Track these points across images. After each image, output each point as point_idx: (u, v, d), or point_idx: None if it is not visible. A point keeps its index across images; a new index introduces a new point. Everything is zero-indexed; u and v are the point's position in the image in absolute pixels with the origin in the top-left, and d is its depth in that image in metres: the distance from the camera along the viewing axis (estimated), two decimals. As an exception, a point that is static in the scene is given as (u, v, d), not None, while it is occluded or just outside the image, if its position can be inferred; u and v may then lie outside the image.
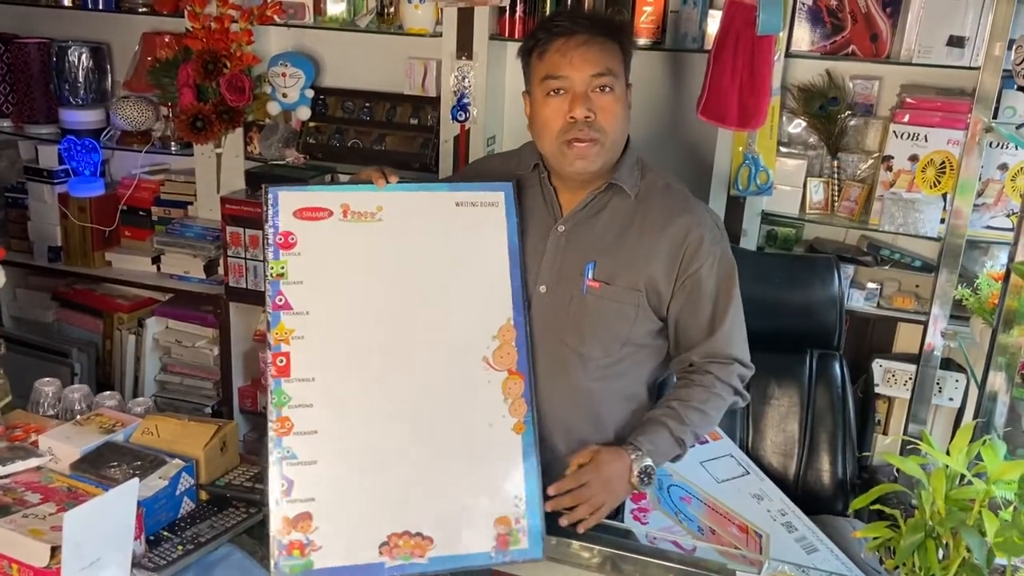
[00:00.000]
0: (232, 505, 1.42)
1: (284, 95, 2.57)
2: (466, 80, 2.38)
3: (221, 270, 2.64)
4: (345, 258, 1.38)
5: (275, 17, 2.50)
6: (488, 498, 1.33)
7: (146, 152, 2.81)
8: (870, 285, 2.32)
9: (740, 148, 2.22)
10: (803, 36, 2.18)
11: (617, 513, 1.58)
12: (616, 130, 1.43)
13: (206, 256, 2.73)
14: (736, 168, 2.24)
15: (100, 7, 2.72)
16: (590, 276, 1.45)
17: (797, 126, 2.29)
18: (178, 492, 1.38)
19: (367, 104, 2.62)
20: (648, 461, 1.39)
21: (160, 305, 2.88)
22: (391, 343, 1.37)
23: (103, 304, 2.94)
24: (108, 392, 1.60)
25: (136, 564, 1.25)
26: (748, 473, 2.08)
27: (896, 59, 2.13)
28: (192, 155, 2.75)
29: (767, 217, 2.33)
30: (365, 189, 1.41)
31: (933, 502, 1.05)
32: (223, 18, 2.51)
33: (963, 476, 1.05)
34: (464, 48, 2.37)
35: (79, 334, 3.00)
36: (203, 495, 1.44)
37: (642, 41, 2.27)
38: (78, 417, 1.52)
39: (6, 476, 1.34)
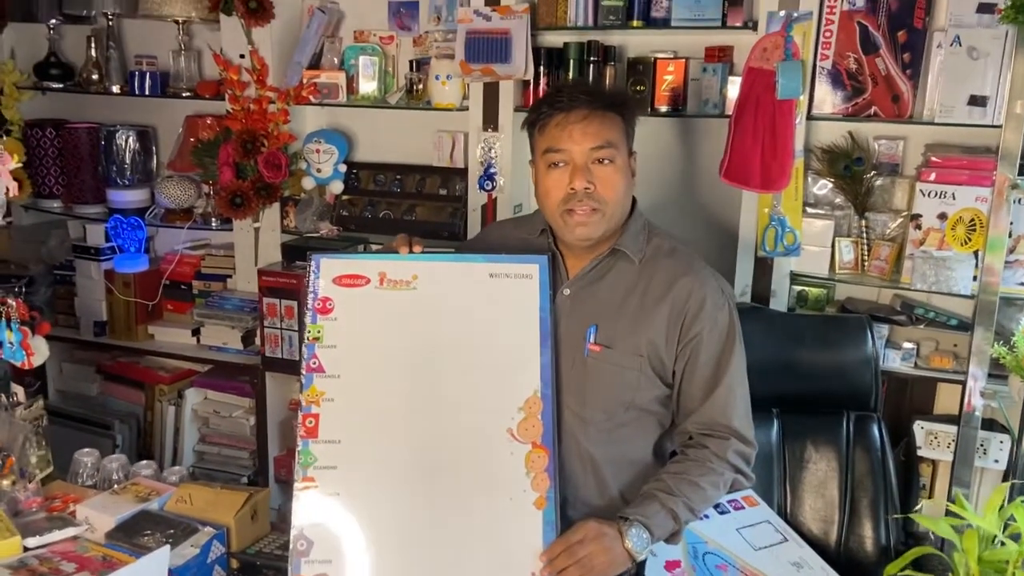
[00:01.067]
0: (261, 574, 1.43)
1: (318, 170, 2.66)
2: (492, 151, 2.45)
3: (258, 341, 2.70)
4: (379, 324, 1.41)
5: (311, 97, 2.61)
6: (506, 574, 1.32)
7: (188, 228, 2.91)
8: (906, 345, 2.29)
9: (766, 210, 2.24)
10: (824, 98, 2.21)
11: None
12: (617, 199, 1.46)
13: (243, 327, 2.79)
14: (762, 230, 2.25)
15: (147, 93, 2.86)
16: (592, 340, 1.47)
17: (823, 187, 2.30)
18: (209, 560, 1.40)
19: (398, 176, 2.70)
20: (639, 529, 1.36)
21: (199, 376, 2.94)
22: (418, 410, 1.39)
23: (145, 376, 3.01)
24: (144, 461, 1.63)
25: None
26: (787, 540, 2.03)
27: (919, 119, 2.14)
28: (231, 230, 2.84)
29: (796, 278, 2.32)
30: (402, 259, 1.45)
31: (967, 564, 1.02)
32: (261, 100, 2.63)
33: (995, 537, 1.03)
34: (490, 120, 2.44)
35: (122, 406, 3.06)
36: (234, 563, 1.45)
37: (663, 108, 2.33)
38: (115, 487, 1.54)
39: (43, 546, 1.37)
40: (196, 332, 2.90)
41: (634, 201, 1.55)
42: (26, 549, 1.36)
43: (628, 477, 1.52)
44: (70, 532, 1.41)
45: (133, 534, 1.38)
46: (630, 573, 1.55)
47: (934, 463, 2.37)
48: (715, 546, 1.95)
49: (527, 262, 1.47)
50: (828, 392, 2.14)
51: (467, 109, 2.48)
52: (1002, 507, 1.05)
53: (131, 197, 2.98)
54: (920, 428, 2.33)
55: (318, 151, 2.64)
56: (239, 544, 1.46)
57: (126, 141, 2.95)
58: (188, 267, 2.98)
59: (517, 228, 1.64)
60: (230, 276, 2.93)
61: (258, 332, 2.67)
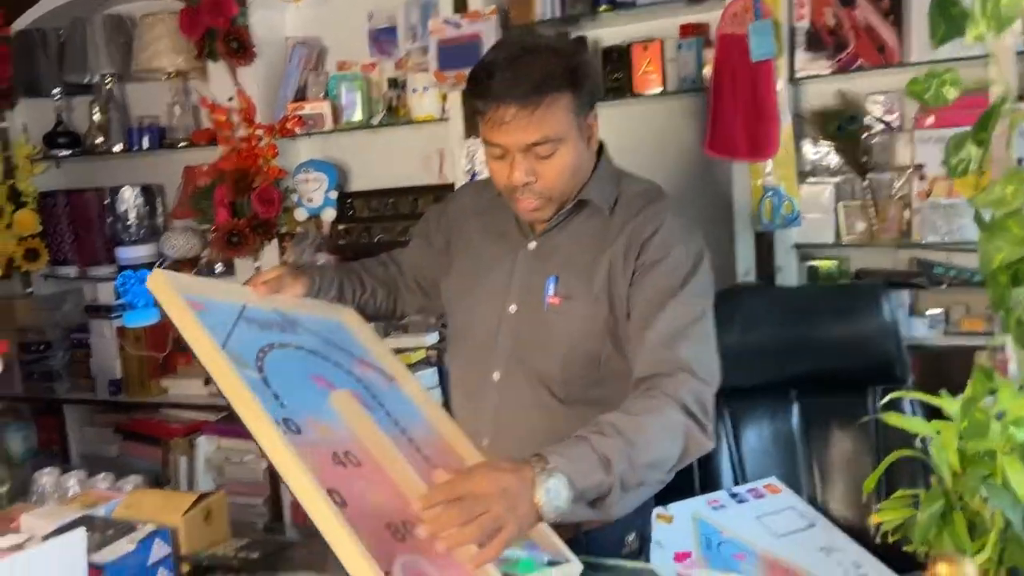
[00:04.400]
0: None
1: (309, 200, 2.65)
2: (477, 158, 2.40)
3: (262, 379, 2.64)
4: None
5: (296, 129, 2.62)
6: None
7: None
8: (932, 312, 2.11)
9: (759, 181, 2.12)
10: (807, 59, 2.11)
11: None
12: (563, 185, 1.33)
13: (250, 369, 2.75)
14: (758, 202, 2.13)
15: (146, 147, 2.92)
16: (551, 292, 1.35)
17: (819, 152, 2.18)
18: (151, 562, 1.31)
19: (391, 200, 2.67)
20: (558, 478, 1.03)
21: (209, 424, 2.89)
22: None
23: (161, 431, 2.98)
24: (103, 474, 1.57)
25: (95, 634, 1.16)
26: (814, 525, 1.83)
27: (908, 61, 2.01)
28: (235, 274, 2.84)
29: (802, 250, 2.18)
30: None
31: (948, 461, 0.86)
32: (250, 138, 2.65)
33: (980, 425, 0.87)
34: (472, 128, 2.40)
35: (141, 464, 3.02)
36: (184, 566, 1.36)
37: (645, 92, 2.25)
38: (68, 498, 1.48)
39: (-21, 555, 1.30)
40: (208, 381, 2.87)
41: (601, 147, 1.43)
42: (-40, 558, 1.29)
43: None
44: (10, 540, 1.33)
45: (70, 536, 1.30)
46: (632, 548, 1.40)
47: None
48: (731, 535, 1.77)
49: None
50: (849, 368, 1.97)
51: (447, 120, 2.44)
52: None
53: (139, 252, 3.01)
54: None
55: (307, 180, 2.64)
56: (190, 547, 1.37)
57: (131, 199, 3.00)
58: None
59: (479, 193, 1.53)
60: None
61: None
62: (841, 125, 2.11)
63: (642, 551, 1.42)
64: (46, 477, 1.57)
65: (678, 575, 1.43)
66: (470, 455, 1.31)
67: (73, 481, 1.55)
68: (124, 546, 1.27)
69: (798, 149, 2.13)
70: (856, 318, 1.96)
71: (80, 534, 1.12)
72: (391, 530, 1.07)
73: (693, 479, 1.97)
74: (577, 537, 1.25)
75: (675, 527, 1.83)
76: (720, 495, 1.92)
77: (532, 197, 1.33)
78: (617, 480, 1.09)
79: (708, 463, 2.02)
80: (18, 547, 1.17)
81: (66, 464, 3.11)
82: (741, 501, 1.92)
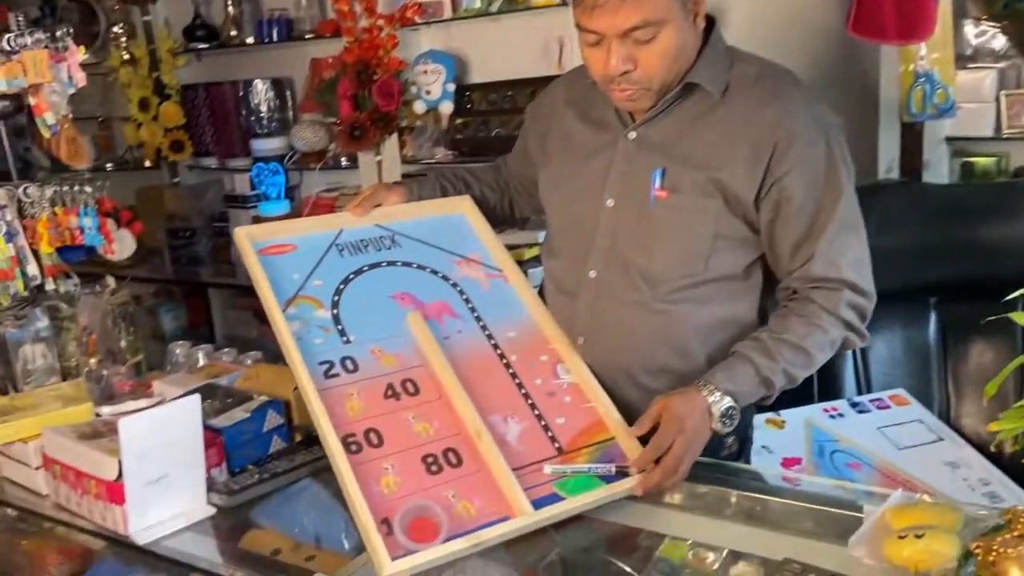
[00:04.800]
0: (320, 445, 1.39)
1: (428, 92, 2.63)
2: (598, 45, 2.29)
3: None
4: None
5: (415, 18, 2.58)
6: None
7: (320, 170, 3.00)
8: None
9: (910, 66, 1.91)
10: (975, -75, 1.85)
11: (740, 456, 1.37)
12: (664, 72, 1.22)
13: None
14: (907, 90, 1.92)
15: (275, 39, 2.98)
16: (657, 185, 1.27)
17: (982, 34, 1.94)
18: (265, 429, 1.38)
19: (509, 92, 2.61)
20: (728, 403, 1.17)
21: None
22: None
23: (293, 316, 3.14)
24: (227, 349, 1.67)
25: (214, 489, 1.25)
26: (942, 440, 1.72)
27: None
28: (358, 169, 2.89)
29: (955, 144, 1.97)
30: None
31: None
32: (372, 28, 2.63)
33: None
34: (594, 13, 2.28)
35: (274, 347, 3.21)
36: (297, 436, 1.43)
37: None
38: (195, 368, 1.58)
39: (115, 415, 1.42)
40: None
41: (711, 22, 1.31)
42: (98, 416, 1.41)
43: (720, 341, 1.30)
44: (142, 404, 1.45)
45: (194, 401, 1.40)
46: (731, 450, 1.36)
47: None
48: (847, 444, 1.69)
49: None
50: (999, 275, 1.79)
51: (567, 4, 2.33)
52: None
53: (271, 145, 3.12)
54: None
55: (426, 72, 2.62)
56: (301, 418, 1.43)
57: (263, 92, 3.09)
58: (324, 209, 3.06)
59: (571, 83, 1.45)
60: (359, 215, 2.99)
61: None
62: (1008, 3, 1.86)
63: (741, 454, 1.37)
64: (179, 349, 1.68)
65: (783, 479, 1.38)
66: (568, 355, 1.31)
67: (201, 354, 1.65)
68: (239, 414, 1.35)
69: (957, 30, 1.90)
70: (1014, 220, 1.79)
71: (196, 399, 1.19)
72: (426, 463, 1.15)
73: (812, 386, 1.88)
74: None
75: (786, 433, 1.77)
76: (839, 404, 1.84)
77: (630, 86, 1.23)
78: (775, 392, 1.22)
79: (829, 371, 1.92)
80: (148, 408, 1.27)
81: (212, 343, 3.35)
82: (862, 411, 1.83)
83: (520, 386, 1.27)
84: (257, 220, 3.17)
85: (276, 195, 3.09)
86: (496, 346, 1.31)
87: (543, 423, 1.23)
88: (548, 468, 1.15)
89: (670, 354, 1.30)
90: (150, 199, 3.45)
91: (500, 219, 1.63)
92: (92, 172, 1.74)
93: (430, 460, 1.15)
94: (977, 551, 0.84)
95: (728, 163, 1.23)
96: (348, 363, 1.26)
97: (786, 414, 1.77)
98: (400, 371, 1.25)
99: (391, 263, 1.39)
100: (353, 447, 1.15)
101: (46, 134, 1.51)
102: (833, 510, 1.07)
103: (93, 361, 1.53)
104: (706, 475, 1.18)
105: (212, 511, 1.23)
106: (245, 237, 1.34)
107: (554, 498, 1.12)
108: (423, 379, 1.24)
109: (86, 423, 1.34)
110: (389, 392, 1.22)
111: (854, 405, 1.81)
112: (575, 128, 1.38)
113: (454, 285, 1.39)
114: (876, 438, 1.70)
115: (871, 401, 1.82)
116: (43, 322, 1.51)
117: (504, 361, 1.30)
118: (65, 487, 1.27)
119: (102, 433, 1.31)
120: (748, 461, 1.41)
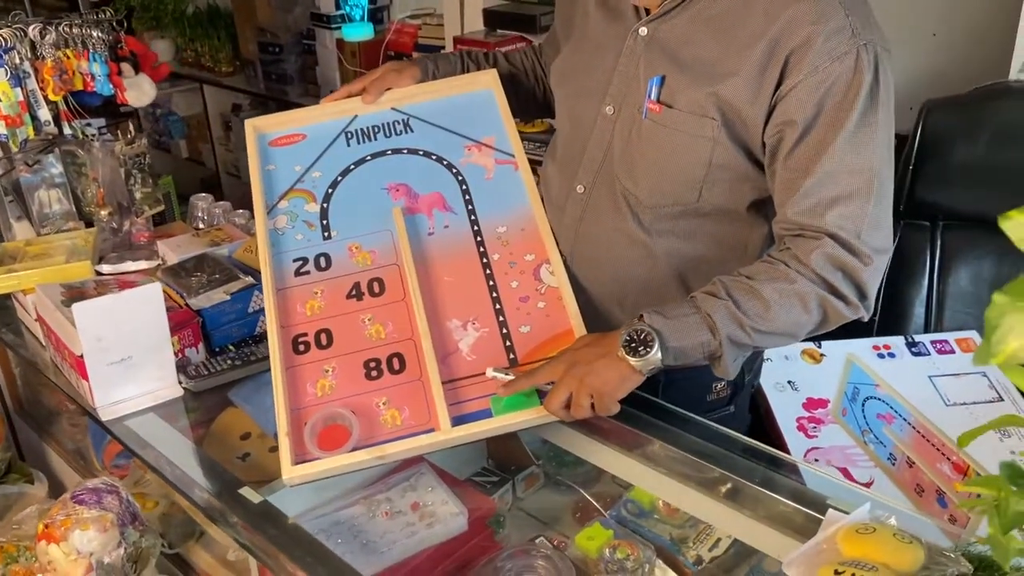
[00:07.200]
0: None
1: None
2: None
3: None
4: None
5: None
6: None
7: (405, -7, 2.80)
8: None
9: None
10: None
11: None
12: None
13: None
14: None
15: None
16: (653, 96, 1.06)
17: None
18: (251, 310, 1.36)
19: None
20: (644, 327, 0.98)
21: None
22: None
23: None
24: (242, 210, 1.63)
25: (185, 371, 1.26)
26: (1002, 400, 1.51)
27: None
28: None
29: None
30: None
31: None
32: None
33: None
34: None
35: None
36: (286, 316, 1.41)
37: None
38: (201, 229, 1.56)
39: (116, 274, 1.43)
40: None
41: None
42: (99, 275, 1.43)
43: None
44: (142, 265, 1.45)
45: (184, 274, 1.38)
46: (722, 397, 1.23)
47: None
48: (886, 391, 1.51)
49: None
50: None
51: None
52: None
53: (359, -39, 2.92)
54: None
55: None
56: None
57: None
58: (407, 37, 2.91)
59: None
60: (443, 47, 2.81)
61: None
62: None
63: (732, 400, 1.23)
64: (200, 203, 1.66)
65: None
66: (556, 257, 1.19)
67: (219, 211, 1.63)
68: (220, 295, 1.33)
69: None
70: None
71: (156, 288, 1.18)
72: (367, 368, 1.11)
73: (871, 317, 1.67)
74: (656, 377, 1.09)
75: (821, 368, 1.60)
76: (893, 341, 1.63)
77: None
78: (726, 342, 0.99)
79: (894, 301, 1.70)
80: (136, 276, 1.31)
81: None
82: (919, 353, 1.62)
83: (493, 289, 1.18)
84: (340, 44, 3.07)
85: (360, 17, 2.98)
86: (481, 243, 1.22)
87: (504, 331, 1.14)
88: (489, 372, 1.08)
89: (648, 297, 1.16)
90: (243, 8, 3.38)
91: (533, 110, 1.48)
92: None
93: (372, 364, 1.12)
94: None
95: (735, 73, 1.00)
96: (322, 260, 1.23)
97: (828, 347, 1.58)
98: (372, 269, 1.21)
99: (396, 151, 1.33)
100: (301, 347, 1.14)
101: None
102: (793, 505, 0.95)
103: (104, 213, 1.53)
104: (674, 429, 1.07)
105: (180, 392, 1.25)
106: (252, 131, 1.34)
107: (482, 414, 1.06)
108: (391, 279, 1.19)
109: (79, 283, 1.35)
110: (353, 292, 1.19)
111: (912, 345, 1.60)
112: (592, 14, 1.18)
113: (456, 174, 1.30)
114: (924, 388, 1.51)
115: (933, 343, 1.60)
116: (57, 168, 1.50)
117: (484, 260, 1.20)
118: (51, 347, 1.31)
119: (89, 296, 1.33)
120: (743, 411, 1.28)
